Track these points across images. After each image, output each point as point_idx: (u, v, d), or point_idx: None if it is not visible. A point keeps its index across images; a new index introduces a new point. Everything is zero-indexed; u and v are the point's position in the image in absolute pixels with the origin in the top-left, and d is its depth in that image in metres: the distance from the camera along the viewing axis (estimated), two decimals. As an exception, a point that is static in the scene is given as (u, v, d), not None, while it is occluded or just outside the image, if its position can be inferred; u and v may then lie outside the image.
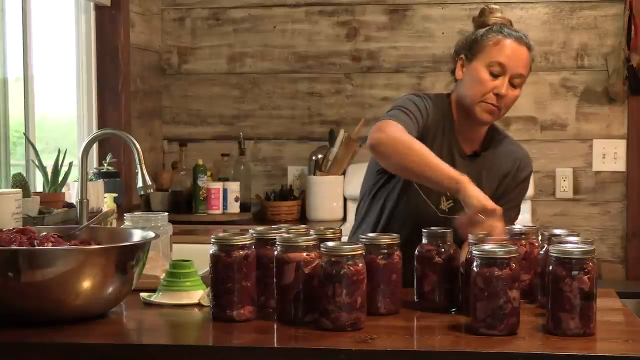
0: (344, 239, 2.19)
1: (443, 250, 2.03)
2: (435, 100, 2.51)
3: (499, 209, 2.16)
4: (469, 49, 2.47)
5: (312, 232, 2.06)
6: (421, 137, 2.38)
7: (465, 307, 1.95)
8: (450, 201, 2.46)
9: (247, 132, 4.38)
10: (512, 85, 2.43)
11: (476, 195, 2.17)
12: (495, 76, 2.42)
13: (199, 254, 2.35)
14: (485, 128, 2.54)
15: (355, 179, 4.16)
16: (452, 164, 2.35)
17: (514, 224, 2.37)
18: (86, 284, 1.87)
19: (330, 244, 1.86)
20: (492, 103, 2.42)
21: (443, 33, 4.31)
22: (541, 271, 2.01)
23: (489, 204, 2.16)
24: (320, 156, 4.20)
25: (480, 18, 2.53)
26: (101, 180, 3.58)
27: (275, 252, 1.90)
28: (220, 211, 4.05)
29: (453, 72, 2.52)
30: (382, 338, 1.80)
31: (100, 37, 3.95)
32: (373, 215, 2.57)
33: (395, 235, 2.02)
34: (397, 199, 2.51)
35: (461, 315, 1.96)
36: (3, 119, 3.27)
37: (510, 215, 2.49)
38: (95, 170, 3.73)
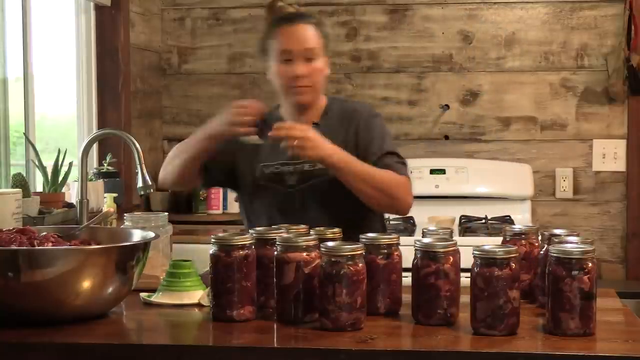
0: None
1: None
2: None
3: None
4: (263, 52, 2.62)
5: (312, 232, 2.06)
6: None
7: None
8: (295, 174, 2.56)
9: (247, 132, 4.38)
10: (309, 59, 2.53)
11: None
12: (289, 62, 2.54)
13: (199, 254, 2.35)
14: (316, 108, 2.62)
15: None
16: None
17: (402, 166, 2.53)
18: (86, 284, 1.87)
19: (330, 244, 1.86)
20: (299, 85, 2.54)
21: (443, 33, 4.31)
22: (541, 271, 2.01)
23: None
24: (320, 156, 4.19)
25: (265, 21, 2.68)
26: (101, 180, 3.58)
27: (275, 252, 1.90)
28: (220, 211, 4.06)
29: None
30: (382, 338, 1.80)
31: (100, 37, 3.96)
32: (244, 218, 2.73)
33: (395, 235, 2.02)
34: (251, 201, 2.65)
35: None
36: (3, 119, 3.27)
37: (387, 161, 2.55)
38: (95, 170, 3.73)
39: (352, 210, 2.51)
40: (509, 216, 3.98)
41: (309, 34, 2.55)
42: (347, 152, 2.46)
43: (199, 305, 2.07)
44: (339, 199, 2.51)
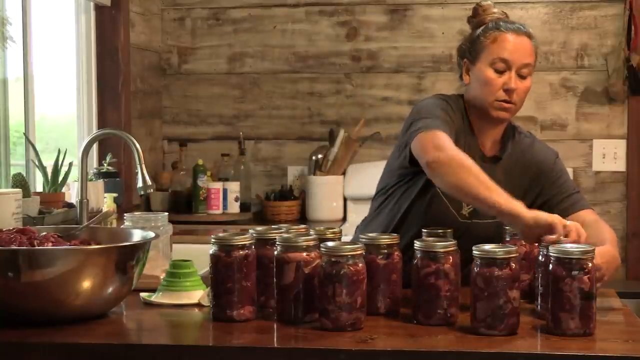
0: (347, 238, 2.19)
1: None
2: (454, 102, 2.48)
3: (554, 217, 2.06)
4: (470, 51, 2.47)
5: (312, 232, 2.06)
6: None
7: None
8: (471, 206, 2.40)
9: (247, 132, 4.38)
10: (521, 76, 2.41)
11: (532, 216, 2.07)
12: (501, 72, 2.40)
13: (199, 254, 2.35)
14: (502, 127, 2.50)
15: (355, 179, 4.16)
16: None
17: (586, 205, 2.42)
18: (86, 284, 1.87)
19: (330, 244, 1.86)
20: (504, 100, 2.41)
21: (443, 33, 4.31)
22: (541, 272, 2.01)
23: (544, 218, 2.06)
24: (320, 156, 4.20)
25: (475, 18, 2.53)
26: (101, 180, 3.58)
27: (275, 252, 1.90)
28: (220, 211, 4.06)
29: (461, 77, 2.51)
30: (382, 338, 1.80)
31: (100, 37, 3.95)
32: (386, 213, 2.53)
33: (395, 235, 2.02)
34: (414, 199, 2.47)
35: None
36: (3, 119, 3.27)
37: (573, 201, 2.45)
38: (95, 170, 3.72)
39: None
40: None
41: (530, 49, 2.42)
42: (522, 200, 2.20)
43: (199, 305, 2.08)
44: (490, 240, 2.38)
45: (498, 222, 2.25)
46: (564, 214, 2.27)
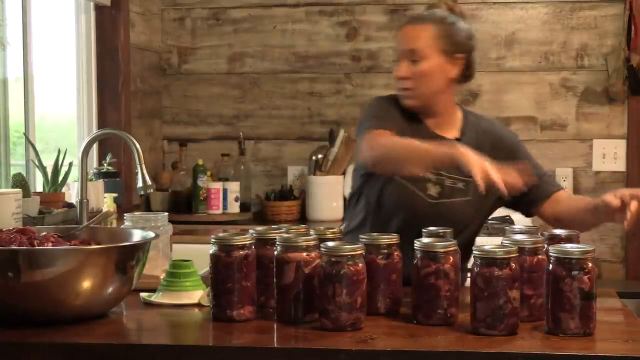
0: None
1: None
2: (388, 99, 2.56)
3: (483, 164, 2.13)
4: None
5: (312, 232, 2.06)
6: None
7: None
8: (438, 186, 2.47)
9: (247, 132, 4.38)
10: (414, 62, 2.47)
11: (468, 152, 2.15)
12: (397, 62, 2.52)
13: (199, 254, 2.35)
14: (447, 111, 2.55)
15: (355, 179, 4.16)
16: None
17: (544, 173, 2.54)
18: (86, 284, 1.87)
19: (330, 244, 1.86)
20: (401, 87, 2.50)
21: (443, 33, 4.31)
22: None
23: (477, 162, 2.12)
24: (320, 156, 4.19)
25: None
26: (101, 180, 3.58)
27: (275, 252, 1.90)
28: (220, 211, 4.05)
29: None
30: (382, 338, 1.80)
31: (100, 37, 3.95)
32: (360, 213, 2.58)
33: (395, 235, 2.02)
34: (380, 192, 2.51)
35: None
36: (3, 119, 3.27)
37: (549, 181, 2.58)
38: (95, 170, 3.73)
39: (473, 234, 2.50)
40: (508, 216, 3.97)
41: (415, 34, 2.48)
42: None
43: (199, 305, 2.08)
44: (469, 222, 2.48)
45: (467, 199, 2.39)
46: (544, 194, 2.50)
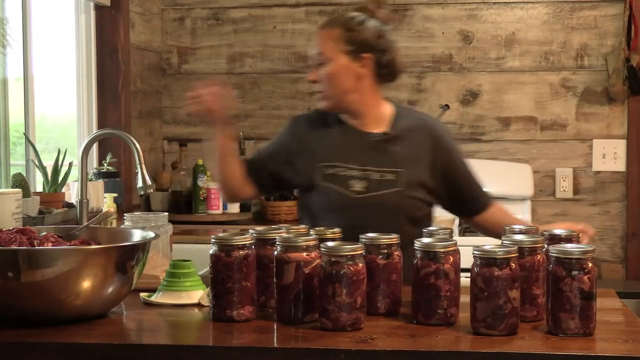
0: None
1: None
2: (311, 114, 2.65)
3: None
4: None
5: (312, 232, 2.06)
6: (290, 151, 2.61)
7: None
8: (364, 181, 2.51)
9: (247, 132, 4.38)
10: (322, 65, 2.52)
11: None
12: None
13: (199, 254, 2.36)
14: (376, 110, 2.58)
15: (355, 179, 4.16)
16: (359, 147, 2.51)
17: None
18: (86, 284, 1.87)
19: (330, 244, 1.86)
20: (315, 91, 2.58)
21: (443, 33, 4.31)
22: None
23: None
24: (320, 156, 4.19)
25: None
26: (101, 180, 3.58)
27: (275, 252, 1.90)
28: (220, 211, 4.06)
29: None
30: (382, 338, 1.80)
31: (100, 37, 3.95)
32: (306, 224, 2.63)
33: (395, 235, 2.02)
34: (306, 200, 2.59)
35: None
36: (3, 119, 3.27)
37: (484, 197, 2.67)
38: (95, 170, 3.73)
39: (412, 225, 2.48)
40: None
41: (322, 38, 2.54)
42: (422, 166, 2.52)
43: (199, 305, 2.08)
44: (403, 213, 2.50)
45: (398, 190, 2.46)
46: (481, 207, 2.64)
